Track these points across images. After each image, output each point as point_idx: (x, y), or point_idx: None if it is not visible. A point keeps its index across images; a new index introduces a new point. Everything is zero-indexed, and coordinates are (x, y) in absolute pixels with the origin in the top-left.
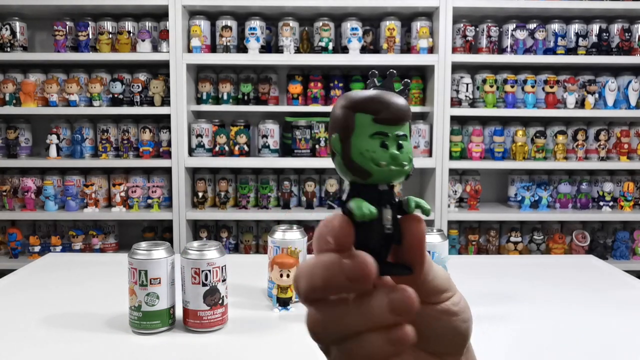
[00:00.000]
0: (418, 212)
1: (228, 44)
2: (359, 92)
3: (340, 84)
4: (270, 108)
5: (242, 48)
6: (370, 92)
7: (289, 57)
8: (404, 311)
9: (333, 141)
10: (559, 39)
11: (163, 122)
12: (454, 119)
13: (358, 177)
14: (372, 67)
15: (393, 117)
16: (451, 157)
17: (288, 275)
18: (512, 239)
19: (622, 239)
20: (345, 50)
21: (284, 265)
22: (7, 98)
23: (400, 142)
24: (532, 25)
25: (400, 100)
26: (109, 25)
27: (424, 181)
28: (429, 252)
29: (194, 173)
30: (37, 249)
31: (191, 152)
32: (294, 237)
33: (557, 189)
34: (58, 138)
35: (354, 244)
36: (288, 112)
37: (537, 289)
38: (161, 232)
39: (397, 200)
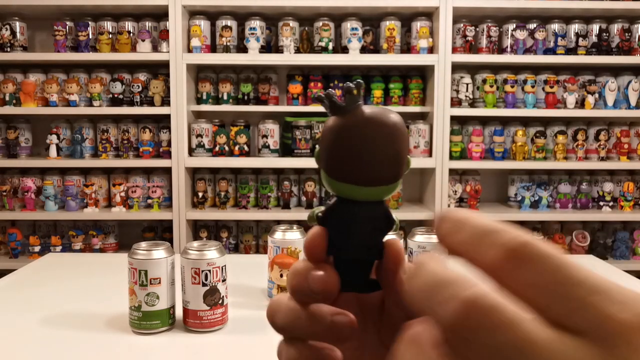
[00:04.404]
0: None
1: (228, 44)
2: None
3: (340, 84)
4: (270, 108)
5: (242, 48)
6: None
7: (289, 57)
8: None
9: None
10: (559, 39)
11: (163, 122)
12: (454, 119)
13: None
14: (372, 67)
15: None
16: (451, 157)
17: None
18: None
19: (622, 239)
20: (345, 50)
21: (284, 265)
22: (7, 98)
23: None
24: (532, 25)
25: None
26: (109, 25)
27: (424, 181)
28: (429, 252)
29: (194, 173)
30: (37, 249)
31: (191, 152)
32: (294, 237)
33: (557, 189)
34: (58, 138)
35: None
36: (288, 112)
37: None
38: (161, 232)
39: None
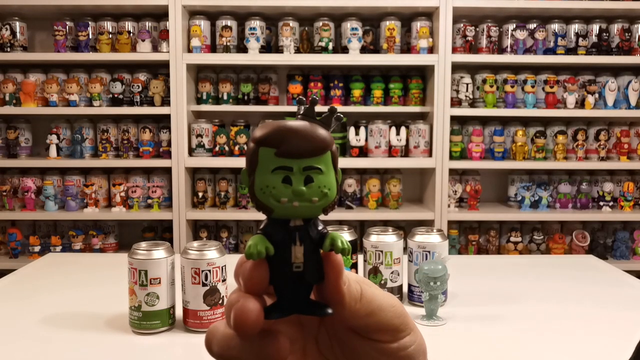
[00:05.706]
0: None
1: (228, 44)
2: (266, 124)
3: (340, 84)
4: (270, 108)
5: (242, 48)
6: (278, 123)
7: (289, 57)
8: (237, 325)
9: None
10: (559, 39)
11: (163, 122)
12: (454, 119)
13: (263, 213)
14: (372, 67)
15: (295, 150)
16: (451, 157)
17: None
18: (512, 239)
19: (622, 239)
20: (345, 50)
21: None
22: (7, 98)
23: (311, 175)
24: (532, 25)
25: (310, 132)
26: (109, 25)
27: (424, 181)
28: (429, 252)
29: (194, 173)
30: (37, 249)
31: (191, 152)
32: None
33: (557, 189)
34: (58, 138)
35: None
36: (288, 112)
37: (537, 289)
38: (161, 232)
39: (319, 235)
